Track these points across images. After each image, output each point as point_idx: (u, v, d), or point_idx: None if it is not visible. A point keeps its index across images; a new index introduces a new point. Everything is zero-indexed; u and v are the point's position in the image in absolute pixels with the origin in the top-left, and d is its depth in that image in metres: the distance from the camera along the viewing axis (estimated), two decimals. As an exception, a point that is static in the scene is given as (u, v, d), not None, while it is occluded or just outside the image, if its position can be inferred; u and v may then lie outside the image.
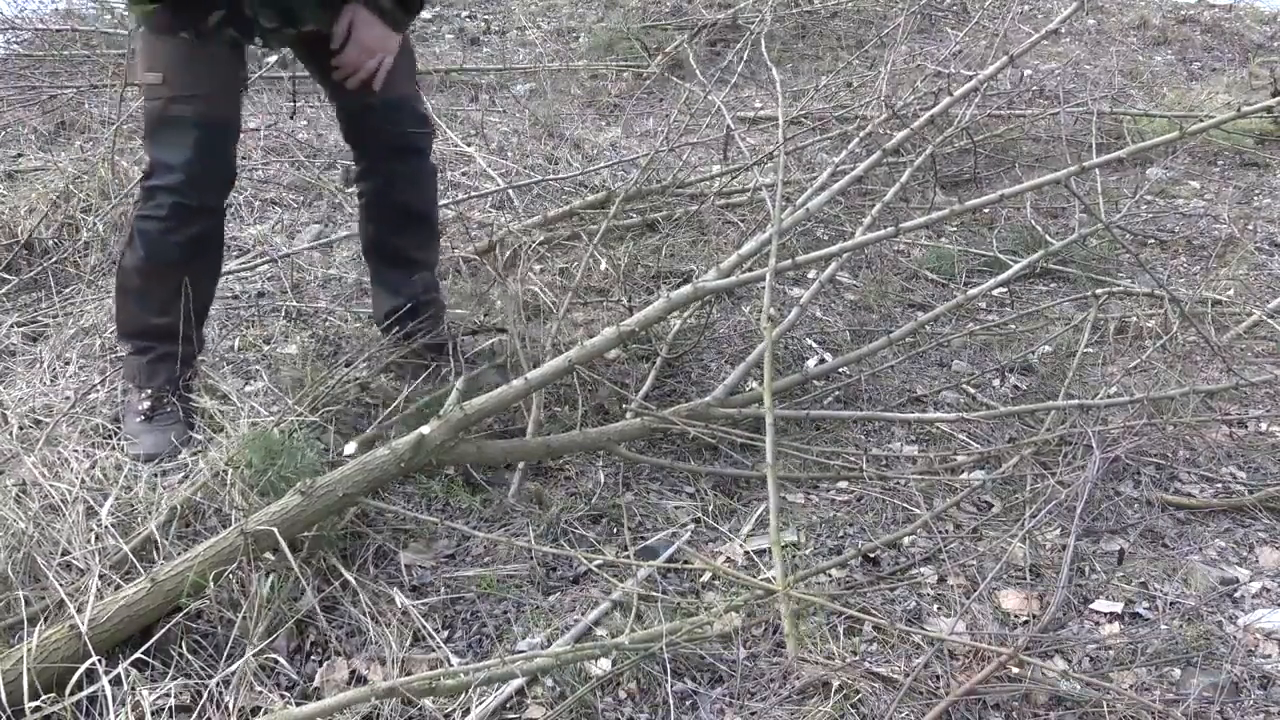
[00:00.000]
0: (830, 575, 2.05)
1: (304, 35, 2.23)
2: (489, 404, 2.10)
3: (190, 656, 1.72)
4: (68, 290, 2.88)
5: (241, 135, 3.10)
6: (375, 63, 2.21)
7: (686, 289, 2.30)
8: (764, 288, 2.30)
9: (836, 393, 2.62)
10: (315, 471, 1.97)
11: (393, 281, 2.55)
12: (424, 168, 2.48)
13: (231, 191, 2.35)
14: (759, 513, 2.23)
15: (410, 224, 2.50)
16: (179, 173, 2.15)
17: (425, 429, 2.00)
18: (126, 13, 2.17)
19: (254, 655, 1.70)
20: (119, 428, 2.28)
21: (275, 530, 1.79)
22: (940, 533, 2.18)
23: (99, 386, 2.42)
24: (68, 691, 1.57)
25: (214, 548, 1.79)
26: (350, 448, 2.11)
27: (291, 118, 2.35)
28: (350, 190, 3.56)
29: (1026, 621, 1.97)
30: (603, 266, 3.00)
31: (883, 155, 2.68)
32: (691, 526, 2.19)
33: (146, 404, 2.27)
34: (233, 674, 1.66)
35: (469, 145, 3.99)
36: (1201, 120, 3.79)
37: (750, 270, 2.45)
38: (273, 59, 4.47)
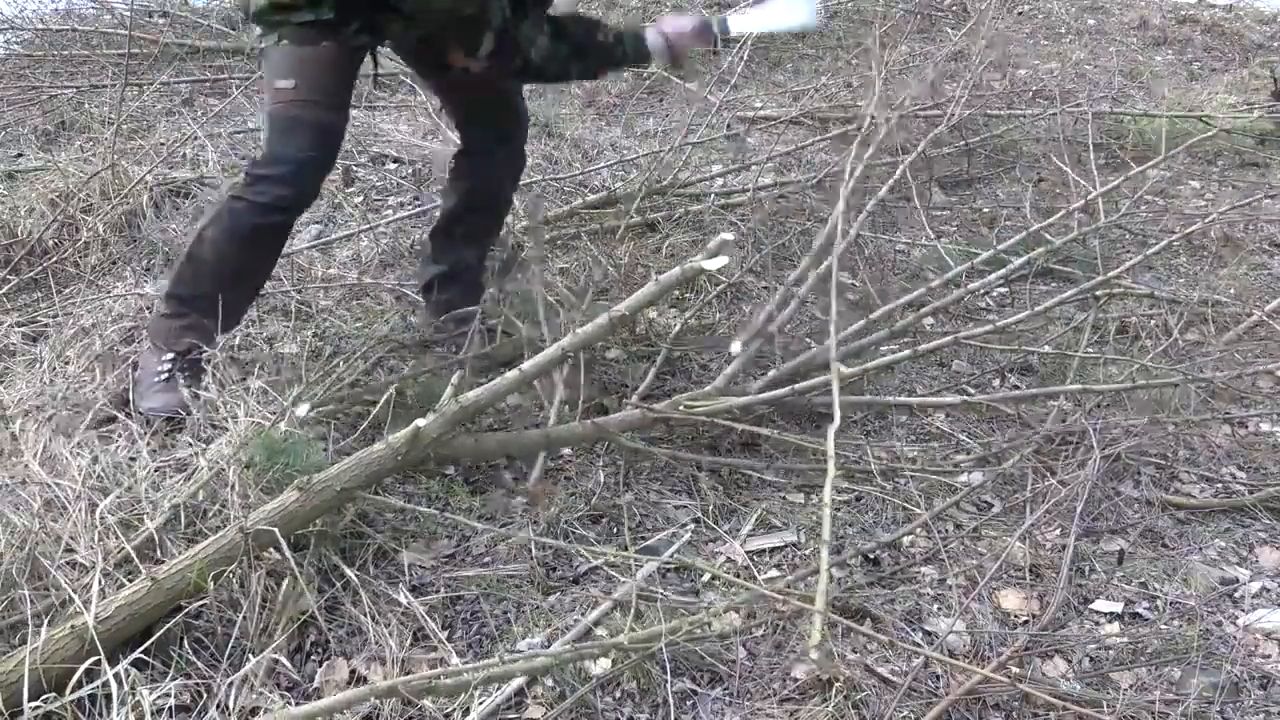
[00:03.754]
0: (831, 575, 2.05)
1: (426, 35, 2.37)
2: (484, 396, 2.11)
3: (191, 656, 1.73)
4: (68, 290, 2.88)
5: (242, 135, 3.12)
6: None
7: (675, 271, 2.30)
8: (765, 285, 2.30)
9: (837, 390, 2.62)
10: (318, 469, 1.97)
11: (443, 250, 2.75)
12: (519, 155, 2.70)
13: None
14: (759, 513, 2.23)
15: (490, 205, 2.71)
16: (292, 166, 2.27)
17: (420, 422, 2.00)
18: (252, 29, 2.35)
19: (258, 655, 1.70)
20: (123, 412, 2.31)
21: (276, 531, 1.79)
22: (940, 533, 2.18)
23: (86, 379, 2.43)
24: (68, 691, 1.57)
25: (214, 545, 1.79)
26: (302, 410, 2.13)
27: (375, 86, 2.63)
28: (350, 190, 3.57)
29: (1026, 621, 1.97)
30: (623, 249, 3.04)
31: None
32: (692, 526, 2.19)
33: (166, 366, 2.35)
34: (238, 675, 1.66)
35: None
36: (1207, 120, 3.79)
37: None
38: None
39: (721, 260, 2.29)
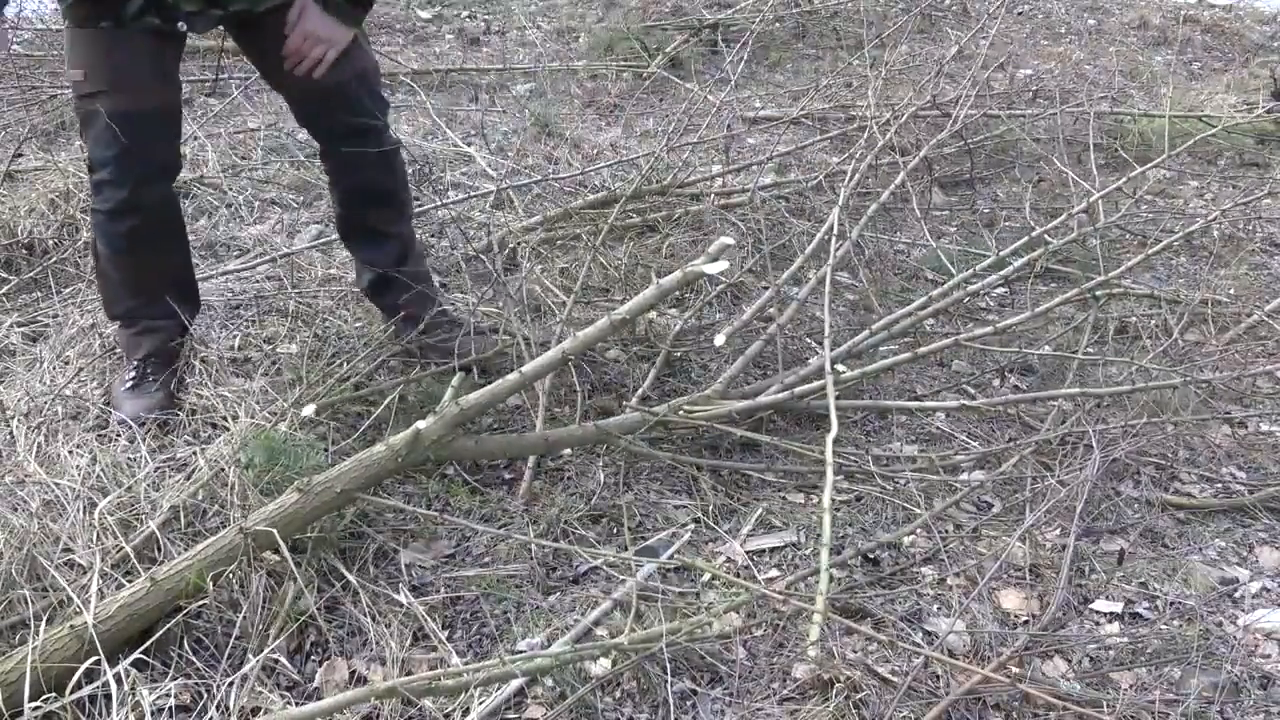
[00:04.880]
0: (831, 575, 2.05)
1: (235, 17, 2.22)
2: (484, 399, 2.10)
3: (191, 656, 1.72)
4: (68, 290, 2.88)
5: (242, 135, 3.08)
6: (320, 52, 2.21)
7: (675, 274, 2.29)
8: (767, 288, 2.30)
9: (836, 393, 2.61)
10: (318, 470, 1.97)
11: (364, 255, 2.59)
12: (378, 146, 2.43)
13: (176, 178, 2.35)
14: (759, 513, 2.23)
15: (372, 202, 2.50)
16: (111, 166, 2.18)
17: (421, 424, 2.00)
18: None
19: (257, 656, 1.70)
20: (110, 410, 2.32)
21: (275, 531, 1.79)
22: (940, 533, 2.18)
23: (86, 378, 2.43)
24: (68, 691, 1.57)
25: (214, 546, 1.79)
26: (308, 410, 2.13)
27: (210, 95, 2.43)
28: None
29: (1026, 621, 1.97)
30: (624, 249, 3.00)
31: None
32: (692, 526, 2.19)
33: (132, 374, 2.35)
34: (238, 675, 1.66)
35: (469, 145, 3.99)
36: (1207, 120, 3.80)
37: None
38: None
39: (722, 264, 2.29)
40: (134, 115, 2.14)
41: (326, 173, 2.53)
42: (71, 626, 1.64)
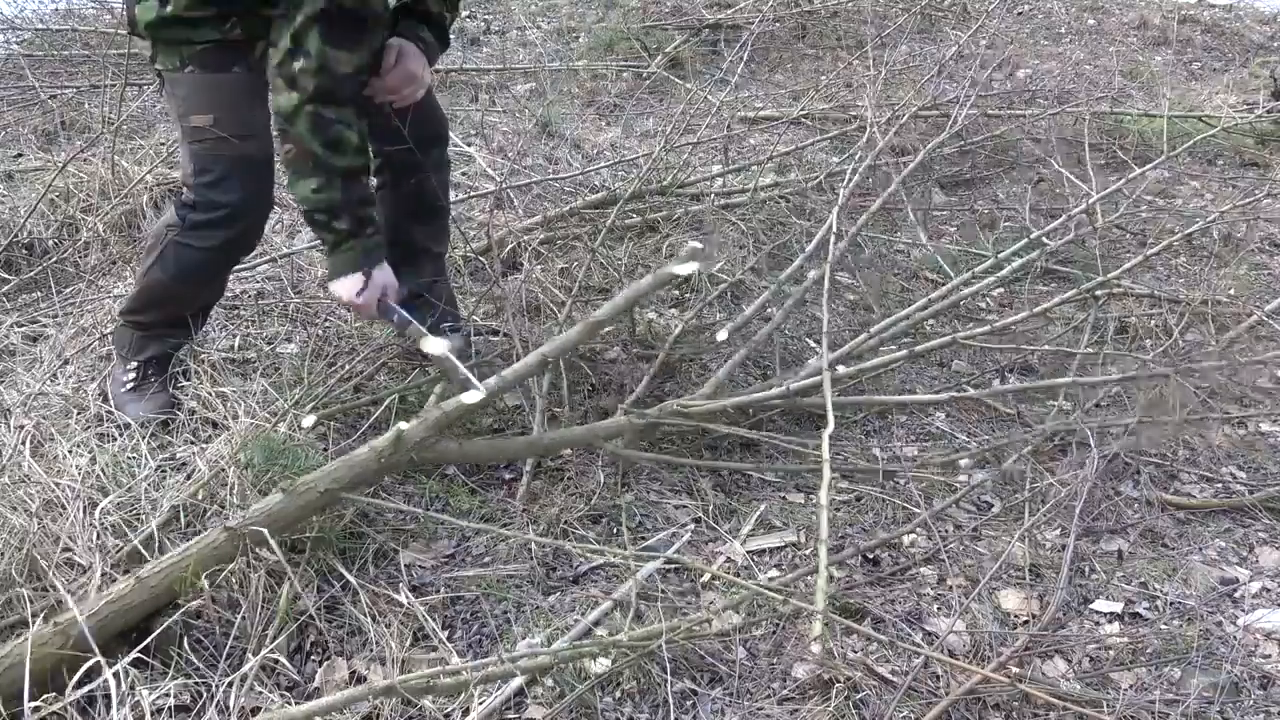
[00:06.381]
0: (831, 574, 2.05)
1: None
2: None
3: (190, 656, 1.72)
4: (68, 290, 2.88)
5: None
6: (413, 91, 2.27)
7: (647, 278, 2.27)
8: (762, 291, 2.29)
9: (835, 393, 2.61)
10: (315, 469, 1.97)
11: (401, 270, 2.54)
12: (443, 158, 2.56)
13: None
14: (759, 513, 2.23)
15: (426, 213, 2.55)
16: (229, 209, 2.17)
17: (403, 426, 1.99)
18: (154, 58, 2.16)
19: (257, 656, 1.70)
20: (112, 411, 2.32)
21: (265, 530, 1.78)
22: (940, 533, 2.18)
23: (82, 378, 2.44)
24: (68, 691, 1.56)
25: (198, 545, 1.78)
26: (308, 421, 2.12)
27: None
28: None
29: (1026, 621, 1.97)
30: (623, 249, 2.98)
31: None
32: (692, 526, 2.19)
33: (131, 375, 2.35)
34: (238, 675, 1.66)
35: (469, 145, 3.98)
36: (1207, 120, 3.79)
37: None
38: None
39: (692, 265, 2.27)
40: (259, 161, 2.17)
41: (381, 185, 2.51)
42: (56, 623, 1.63)
